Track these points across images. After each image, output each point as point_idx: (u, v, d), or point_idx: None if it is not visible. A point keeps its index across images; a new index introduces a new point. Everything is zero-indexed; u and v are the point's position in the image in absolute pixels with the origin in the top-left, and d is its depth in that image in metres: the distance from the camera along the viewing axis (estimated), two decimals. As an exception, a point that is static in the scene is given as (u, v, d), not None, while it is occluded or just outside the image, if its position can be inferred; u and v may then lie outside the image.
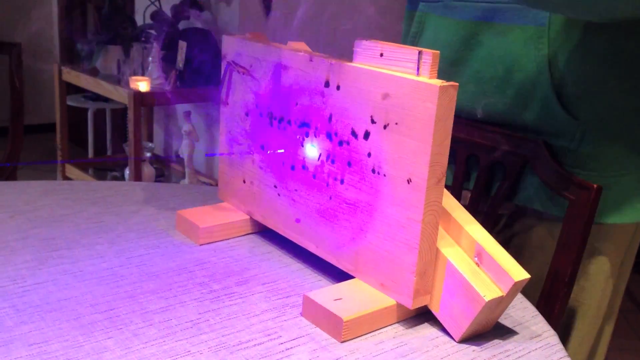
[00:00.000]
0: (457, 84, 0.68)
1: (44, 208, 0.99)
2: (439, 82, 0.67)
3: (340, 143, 0.78)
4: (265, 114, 0.89)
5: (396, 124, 0.71)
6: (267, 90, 0.88)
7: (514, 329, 0.75)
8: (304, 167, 0.84)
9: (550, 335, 0.75)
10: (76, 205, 1.01)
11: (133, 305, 0.73)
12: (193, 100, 2.67)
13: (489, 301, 0.69)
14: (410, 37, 1.05)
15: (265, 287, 0.80)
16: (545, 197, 0.95)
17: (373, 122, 0.74)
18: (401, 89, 0.70)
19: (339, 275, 0.81)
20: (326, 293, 0.75)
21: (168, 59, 2.66)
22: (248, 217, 0.95)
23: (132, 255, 0.86)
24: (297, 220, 0.85)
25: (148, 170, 2.67)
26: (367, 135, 0.75)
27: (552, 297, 0.90)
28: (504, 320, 0.77)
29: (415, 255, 0.71)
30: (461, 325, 0.71)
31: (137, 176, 2.52)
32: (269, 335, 0.70)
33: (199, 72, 2.59)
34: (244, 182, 0.95)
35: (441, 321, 0.73)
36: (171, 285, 0.79)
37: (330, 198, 0.81)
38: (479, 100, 0.96)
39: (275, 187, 0.90)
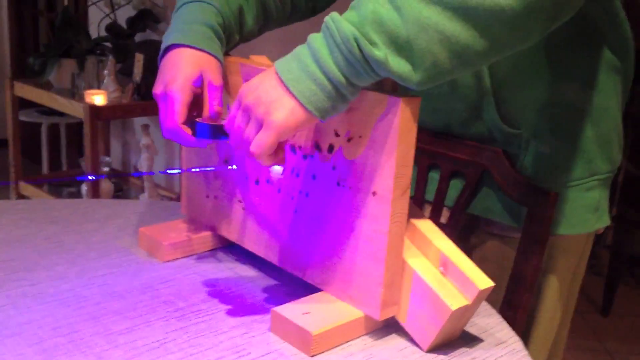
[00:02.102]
0: (419, 97, 0.69)
1: (0, 229, 0.96)
2: (401, 95, 0.67)
3: (305, 157, 0.78)
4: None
5: (360, 137, 0.72)
6: (230, 106, 0.88)
7: (480, 336, 0.76)
8: (269, 181, 0.84)
9: (515, 342, 0.76)
10: (34, 225, 0.99)
11: (96, 326, 0.72)
12: (151, 113, 2.63)
13: (455, 310, 0.69)
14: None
15: (232, 303, 0.80)
16: (502, 206, 0.96)
17: (337, 135, 0.74)
18: (364, 102, 0.70)
19: (307, 288, 0.81)
20: (294, 307, 0.74)
21: (124, 72, 2.63)
22: (213, 232, 0.94)
23: (94, 275, 0.84)
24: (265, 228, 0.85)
25: (106, 185, 2.62)
26: (331, 148, 0.75)
27: (514, 305, 0.91)
28: (470, 328, 0.78)
29: (382, 267, 0.71)
30: (429, 334, 0.72)
31: (95, 192, 2.48)
32: (237, 352, 0.69)
33: (156, 84, 2.55)
34: (207, 196, 0.94)
35: (409, 331, 0.74)
36: (135, 305, 0.77)
37: (296, 211, 0.81)
38: (431, 115, 0.97)
39: (239, 201, 0.89)
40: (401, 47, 0.64)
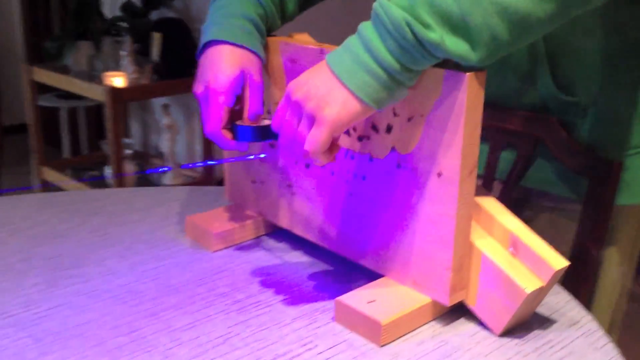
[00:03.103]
0: (485, 70, 0.65)
1: (43, 223, 0.94)
2: (466, 70, 0.64)
3: (360, 138, 0.75)
4: (274, 109, 0.85)
5: (421, 115, 0.68)
6: (274, 86, 0.85)
7: (552, 317, 0.73)
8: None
9: (589, 321, 0.73)
10: (76, 217, 0.96)
11: (157, 323, 0.70)
12: (171, 93, 2.60)
13: (530, 293, 0.66)
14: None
15: (290, 293, 0.77)
16: (558, 177, 0.92)
17: (395, 114, 0.71)
18: (425, 80, 0.66)
19: (364, 273, 0.78)
20: (358, 296, 0.72)
21: (142, 52, 2.59)
22: (260, 218, 0.92)
23: (146, 269, 0.82)
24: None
25: (130, 168, 2.61)
26: (389, 128, 0.72)
27: (579, 280, 0.88)
28: (540, 308, 0.75)
29: (450, 251, 0.68)
30: (502, 319, 0.69)
31: (120, 174, 2.46)
32: (305, 345, 0.67)
33: (175, 63, 2.52)
34: (254, 182, 0.91)
35: (479, 316, 0.71)
36: (193, 299, 0.75)
37: (351, 195, 0.78)
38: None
39: (289, 186, 0.86)
40: (456, 25, 0.60)
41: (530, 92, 0.91)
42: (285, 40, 0.82)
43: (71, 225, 0.93)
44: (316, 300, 0.76)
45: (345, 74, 0.64)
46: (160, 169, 0.80)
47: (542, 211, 0.97)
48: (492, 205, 0.73)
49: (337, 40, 0.70)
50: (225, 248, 0.88)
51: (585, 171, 0.87)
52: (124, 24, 2.65)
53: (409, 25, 0.60)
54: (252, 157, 0.88)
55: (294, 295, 0.77)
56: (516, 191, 0.97)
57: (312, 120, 0.65)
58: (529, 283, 0.67)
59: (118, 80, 2.39)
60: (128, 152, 2.65)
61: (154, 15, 2.70)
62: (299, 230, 0.86)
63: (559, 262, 0.68)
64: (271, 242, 0.90)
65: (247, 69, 0.79)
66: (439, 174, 0.68)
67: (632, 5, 0.84)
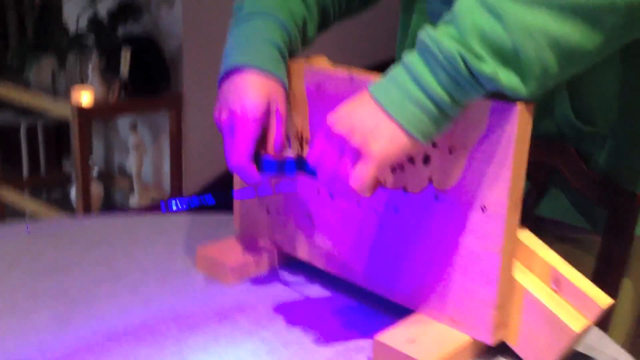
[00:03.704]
0: (533, 102, 0.64)
1: (41, 255, 0.88)
2: (515, 101, 0.62)
3: (393, 169, 0.73)
4: (294, 137, 0.82)
5: (464, 147, 0.66)
6: (295, 112, 0.81)
7: (591, 355, 0.72)
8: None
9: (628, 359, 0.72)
10: (77, 248, 0.91)
11: (186, 367, 0.65)
12: (140, 111, 2.53)
13: (578, 332, 0.65)
14: (407, 50, 0.99)
15: (319, 330, 0.74)
16: (574, 207, 0.92)
17: (434, 146, 0.68)
18: (471, 110, 0.64)
19: (390, 307, 0.75)
20: (397, 335, 0.69)
21: (109, 68, 2.51)
22: (274, 249, 0.88)
23: (162, 305, 0.77)
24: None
25: (96, 188, 2.52)
26: (426, 159, 0.69)
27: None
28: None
29: (494, 288, 0.66)
30: (546, 358, 0.67)
31: (86, 195, 2.37)
32: (347, 388, 0.64)
33: (145, 81, 2.45)
34: (268, 212, 0.88)
35: (521, 355, 0.69)
36: (218, 339, 0.71)
37: (382, 227, 0.75)
38: None
39: (309, 216, 0.83)
40: (508, 58, 0.59)
41: (546, 120, 0.90)
42: (309, 64, 0.79)
43: (72, 258, 0.88)
44: (348, 339, 0.72)
45: (394, 107, 0.61)
46: (203, 198, 0.74)
47: (556, 241, 0.96)
48: (530, 239, 0.71)
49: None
50: (240, 281, 0.84)
51: (604, 202, 0.87)
52: (90, 39, 2.57)
53: (462, 57, 0.59)
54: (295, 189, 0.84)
55: (323, 332, 0.73)
56: (530, 220, 0.96)
57: (357, 155, 0.63)
58: (576, 322, 0.66)
59: (85, 96, 2.31)
60: (94, 172, 2.56)
61: (121, 30, 2.63)
62: (320, 263, 0.83)
63: (605, 300, 0.67)
64: (287, 275, 0.87)
65: (273, 97, 0.76)
66: (483, 208, 0.66)
67: None
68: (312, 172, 0.74)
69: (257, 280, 0.85)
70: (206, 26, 2.62)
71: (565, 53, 0.61)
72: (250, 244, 0.89)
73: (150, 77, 2.48)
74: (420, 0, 0.94)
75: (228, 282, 0.83)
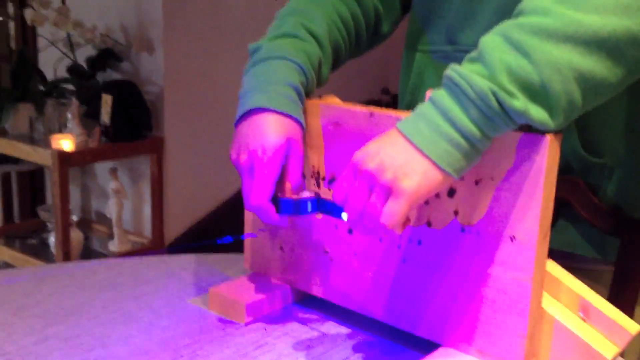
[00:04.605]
0: (561, 132, 0.65)
1: (47, 300, 0.85)
2: (543, 132, 0.63)
3: (416, 202, 0.72)
4: (310, 175, 0.82)
5: (492, 178, 0.67)
6: (310, 150, 0.81)
7: (619, 383, 0.72)
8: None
9: (653, 385, 0.72)
10: (83, 292, 0.88)
11: (215, 409, 0.63)
12: (121, 157, 2.50)
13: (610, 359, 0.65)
14: (410, 89, 1.01)
15: (344, 368, 0.72)
16: (584, 238, 0.93)
17: (461, 178, 0.69)
18: (497, 142, 0.65)
19: (411, 342, 0.75)
20: (428, 369, 0.68)
21: (89, 114, 2.49)
22: (289, 286, 0.87)
23: (179, 347, 0.75)
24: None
25: (76, 234, 2.46)
26: (452, 192, 0.70)
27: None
28: (600, 374, 0.73)
29: (525, 318, 0.66)
30: (579, 387, 0.67)
31: (66, 242, 2.31)
32: None
33: (126, 126, 2.44)
34: (281, 249, 0.87)
35: (553, 385, 0.68)
36: (243, 379, 0.69)
37: (405, 261, 0.75)
38: None
39: (325, 252, 0.82)
40: (536, 93, 0.61)
41: None
42: (326, 103, 0.80)
43: (80, 302, 0.85)
44: (375, 375, 0.71)
45: (426, 143, 0.62)
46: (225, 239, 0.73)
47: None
48: (555, 268, 0.71)
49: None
50: (255, 319, 0.82)
51: (616, 231, 0.88)
52: (69, 86, 2.55)
53: (494, 94, 0.60)
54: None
55: (348, 370, 0.72)
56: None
57: (387, 192, 0.63)
58: (607, 349, 0.66)
59: (66, 143, 2.28)
60: (74, 218, 2.51)
61: (101, 76, 2.62)
62: (337, 299, 0.82)
63: (633, 327, 0.67)
64: (302, 312, 0.85)
65: (292, 139, 0.76)
66: (512, 238, 0.66)
67: None
68: (331, 211, 0.74)
69: (272, 319, 0.83)
70: (187, 71, 2.62)
71: (590, 86, 0.62)
72: (263, 282, 0.87)
73: (132, 122, 2.46)
74: (423, 41, 0.96)
75: (243, 321, 0.81)
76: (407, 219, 0.65)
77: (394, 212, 0.62)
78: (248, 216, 0.89)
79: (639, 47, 0.63)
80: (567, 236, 0.94)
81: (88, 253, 2.62)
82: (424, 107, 0.64)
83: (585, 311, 0.68)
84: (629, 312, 0.89)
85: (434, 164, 0.62)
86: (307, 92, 0.82)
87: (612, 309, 0.68)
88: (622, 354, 0.94)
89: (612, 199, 0.90)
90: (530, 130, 0.64)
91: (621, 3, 0.62)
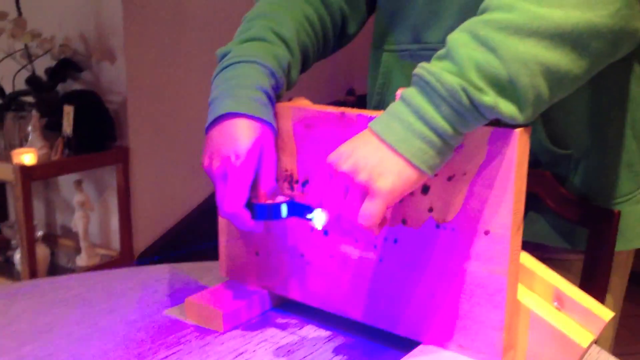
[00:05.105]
0: (529, 126, 0.66)
1: (20, 319, 0.83)
2: (512, 126, 0.64)
3: (390, 201, 0.73)
4: (283, 179, 0.82)
5: (464, 174, 0.67)
6: (281, 153, 0.81)
7: (595, 369, 0.73)
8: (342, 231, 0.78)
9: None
10: (55, 309, 0.86)
11: (198, 420, 0.62)
12: (85, 168, 2.46)
13: (586, 347, 0.66)
14: (377, 89, 1.01)
15: (326, 370, 0.72)
16: (553, 229, 0.95)
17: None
18: (470, 138, 0.66)
19: (390, 340, 0.75)
20: (410, 367, 0.68)
21: (50, 126, 2.44)
22: (266, 292, 0.86)
23: (158, 359, 0.74)
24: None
25: (41, 250, 2.41)
26: (425, 189, 0.70)
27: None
28: (577, 362, 0.74)
29: (501, 310, 0.67)
30: (557, 376, 0.68)
31: (32, 259, 2.26)
32: None
33: (90, 136, 2.40)
34: (257, 254, 0.86)
35: (532, 375, 0.69)
36: (226, 387, 0.68)
37: (381, 261, 0.75)
38: None
39: (302, 256, 0.82)
40: (505, 87, 0.62)
41: None
42: (297, 105, 0.80)
43: (53, 319, 0.83)
44: (357, 376, 0.71)
45: (399, 142, 0.62)
46: None
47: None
48: (529, 260, 0.72)
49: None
50: (234, 327, 0.82)
51: (584, 221, 0.90)
52: (29, 98, 2.50)
53: (464, 91, 0.61)
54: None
55: (330, 372, 0.72)
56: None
57: (363, 193, 0.63)
58: (582, 337, 0.67)
59: (28, 157, 2.24)
60: (39, 234, 2.46)
61: (61, 87, 2.58)
62: (316, 302, 0.82)
63: (607, 313, 0.68)
64: (280, 317, 0.85)
65: (264, 144, 0.76)
66: (487, 232, 0.67)
67: (613, 66, 0.90)
68: (305, 215, 0.73)
69: (251, 325, 0.82)
70: (150, 79, 2.60)
71: (555, 79, 0.64)
72: (240, 289, 0.87)
73: (95, 133, 2.43)
74: (390, 41, 0.97)
75: (222, 330, 0.81)
76: (385, 219, 0.66)
77: (370, 212, 0.63)
78: (222, 223, 0.88)
79: (602, 39, 0.65)
80: (538, 228, 0.96)
81: (55, 269, 2.57)
82: (395, 106, 0.64)
83: (560, 301, 0.69)
84: (600, 299, 0.90)
85: (408, 162, 0.62)
86: (277, 96, 0.82)
87: (585, 297, 0.69)
88: (595, 341, 0.96)
89: (579, 189, 0.92)
90: (500, 125, 0.65)
91: None
